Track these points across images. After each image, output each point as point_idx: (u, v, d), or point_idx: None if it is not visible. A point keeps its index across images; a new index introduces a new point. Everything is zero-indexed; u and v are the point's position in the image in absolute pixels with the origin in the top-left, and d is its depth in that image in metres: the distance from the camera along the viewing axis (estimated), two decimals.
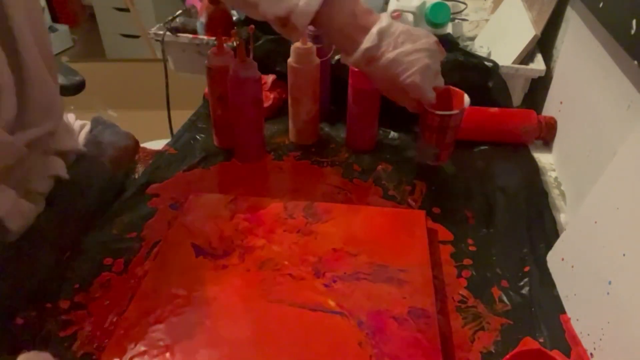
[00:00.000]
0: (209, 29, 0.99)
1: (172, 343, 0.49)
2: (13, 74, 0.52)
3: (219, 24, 0.97)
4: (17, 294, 0.54)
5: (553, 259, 0.60)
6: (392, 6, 1.04)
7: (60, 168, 0.64)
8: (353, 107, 0.78)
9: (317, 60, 0.76)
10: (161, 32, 1.00)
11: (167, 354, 0.48)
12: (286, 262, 0.58)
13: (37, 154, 0.60)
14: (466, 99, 0.70)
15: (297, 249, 0.60)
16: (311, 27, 0.80)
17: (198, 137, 0.84)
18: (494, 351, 0.51)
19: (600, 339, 0.48)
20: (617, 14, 0.59)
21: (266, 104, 0.87)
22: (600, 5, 0.65)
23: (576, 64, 0.79)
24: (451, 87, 0.72)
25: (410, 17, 1.03)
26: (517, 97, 0.91)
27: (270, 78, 0.90)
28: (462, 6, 1.19)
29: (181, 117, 0.91)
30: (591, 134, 0.69)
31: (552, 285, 0.58)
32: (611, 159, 0.53)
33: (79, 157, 0.69)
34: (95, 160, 0.71)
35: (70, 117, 0.74)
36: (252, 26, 0.71)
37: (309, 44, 0.75)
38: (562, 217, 0.70)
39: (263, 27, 0.92)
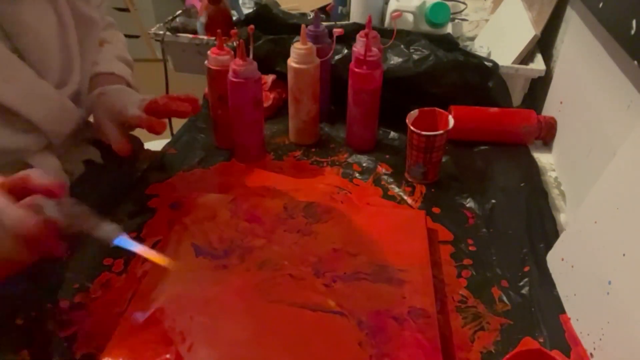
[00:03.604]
0: (209, 29, 0.99)
1: (172, 343, 0.49)
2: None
3: (219, 24, 0.97)
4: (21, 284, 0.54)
5: (553, 259, 0.60)
6: (392, 6, 1.04)
7: (94, 154, 0.72)
8: (353, 107, 0.78)
9: (317, 60, 0.76)
10: (161, 32, 1.00)
11: (167, 354, 0.48)
12: (286, 262, 0.58)
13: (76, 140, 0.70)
14: (450, 120, 0.71)
15: (297, 249, 0.60)
16: (311, 27, 0.80)
17: (198, 137, 0.84)
18: (494, 351, 0.51)
19: (600, 339, 0.48)
20: (617, 14, 0.59)
21: (266, 104, 0.86)
22: (600, 5, 0.64)
23: (576, 64, 0.79)
24: (437, 108, 0.73)
25: (410, 17, 1.03)
26: (517, 97, 0.91)
27: (270, 78, 0.90)
28: (462, 6, 1.19)
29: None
30: (591, 134, 0.69)
31: (552, 285, 0.58)
32: (611, 159, 0.53)
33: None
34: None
35: None
36: (252, 26, 0.71)
37: (309, 44, 0.75)
38: (562, 217, 0.70)
39: (263, 27, 0.93)
